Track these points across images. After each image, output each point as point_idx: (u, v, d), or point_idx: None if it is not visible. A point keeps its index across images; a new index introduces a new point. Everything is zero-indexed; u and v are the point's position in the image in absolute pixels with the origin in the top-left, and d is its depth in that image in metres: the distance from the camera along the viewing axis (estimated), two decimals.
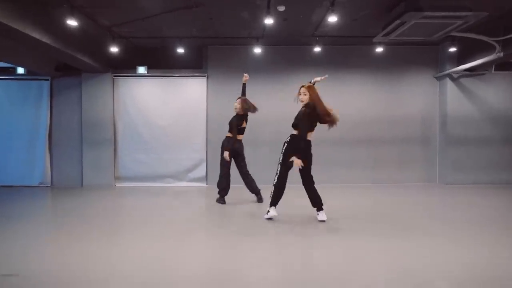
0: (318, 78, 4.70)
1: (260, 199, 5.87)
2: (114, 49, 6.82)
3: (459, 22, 5.13)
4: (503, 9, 5.58)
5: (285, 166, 4.60)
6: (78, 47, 6.42)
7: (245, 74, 5.80)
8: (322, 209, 4.66)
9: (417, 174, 8.09)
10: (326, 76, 4.65)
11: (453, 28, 5.41)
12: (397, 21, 5.14)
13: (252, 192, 5.93)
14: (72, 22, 5.19)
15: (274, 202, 4.72)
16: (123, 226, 4.71)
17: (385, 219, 4.77)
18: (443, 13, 4.82)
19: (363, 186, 7.69)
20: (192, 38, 7.07)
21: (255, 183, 5.89)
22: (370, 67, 8.01)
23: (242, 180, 5.92)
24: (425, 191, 7.19)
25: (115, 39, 6.80)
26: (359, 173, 8.02)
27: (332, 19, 5.40)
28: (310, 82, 4.69)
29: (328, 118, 4.41)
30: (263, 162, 7.60)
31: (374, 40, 6.06)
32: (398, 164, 8.07)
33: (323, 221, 4.59)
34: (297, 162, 4.32)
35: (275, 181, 4.66)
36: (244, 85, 5.88)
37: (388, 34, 5.65)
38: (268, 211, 4.74)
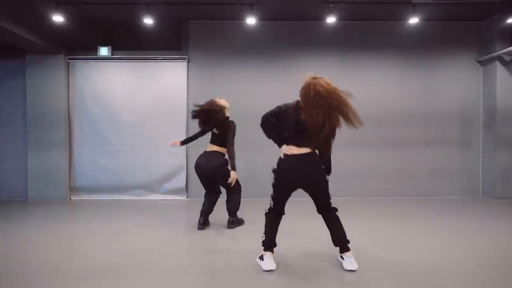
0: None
1: (231, 223, 4.30)
2: (58, 18, 5.10)
3: None
4: None
5: (278, 190, 2.98)
6: (7, 14, 4.69)
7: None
8: (348, 250, 2.94)
9: (455, 186, 6.36)
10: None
11: None
12: None
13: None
14: None
15: (268, 243, 2.97)
16: (68, 263, 3.00)
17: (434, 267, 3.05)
18: None
19: (385, 201, 5.97)
20: (165, 6, 5.35)
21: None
22: (394, 49, 6.31)
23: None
24: (469, 208, 5.46)
25: (59, 5, 5.07)
26: (380, 184, 6.30)
27: None
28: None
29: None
30: (258, 171, 5.93)
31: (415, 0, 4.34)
32: (430, 173, 6.34)
33: (353, 270, 2.86)
34: None
35: (269, 207, 3.03)
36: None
37: None
38: (262, 259, 2.98)
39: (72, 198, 6.30)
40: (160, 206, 5.74)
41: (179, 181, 6.29)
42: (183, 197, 6.30)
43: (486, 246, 3.53)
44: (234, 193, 4.22)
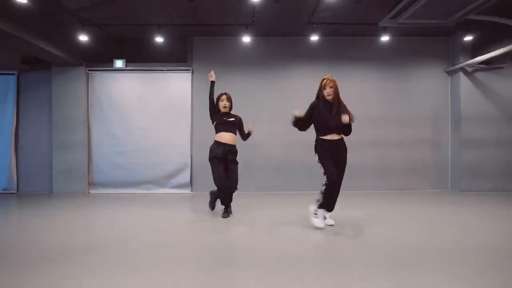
0: None
1: (228, 211, 4.73)
2: (83, 38, 6.02)
3: None
4: None
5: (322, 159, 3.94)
6: (41, 34, 5.61)
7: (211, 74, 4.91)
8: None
9: (426, 180, 7.24)
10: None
11: (475, 7, 4.59)
12: None
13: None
14: None
15: (325, 205, 3.98)
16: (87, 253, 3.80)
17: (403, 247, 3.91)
18: None
19: (365, 194, 6.83)
20: (173, 26, 6.27)
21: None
22: (373, 61, 7.21)
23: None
24: (437, 200, 6.31)
25: (85, 27, 5.99)
26: (361, 179, 7.16)
27: None
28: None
29: None
30: (257, 167, 6.81)
31: (380, 24, 5.25)
32: (405, 169, 7.22)
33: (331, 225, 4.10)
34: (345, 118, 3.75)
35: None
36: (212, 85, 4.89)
37: (396, 16, 4.84)
38: (315, 213, 4.01)
39: (91, 192, 7.18)
40: (167, 199, 6.59)
41: (184, 177, 7.16)
42: (187, 191, 7.17)
43: (452, 228, 4.26)
44: None
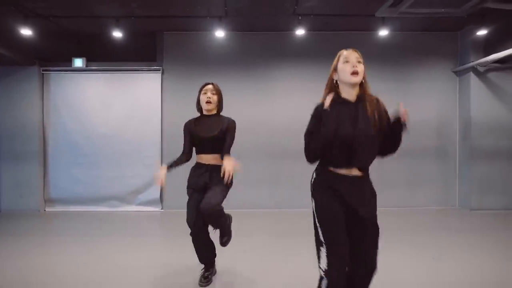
0: None
1: (206, 276, 3.10)
2: (26, 32, 5.10)
3: None
4: None
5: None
6: None
7: None
8: None
9: (431, 196, 6.32)
10: None
11: None
12: None
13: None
14: None
15: None
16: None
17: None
18: None
19: None
20: (134, 19, 5.34)
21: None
22: (369, 59, 6.09)
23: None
24: (444, 219, 5.45)
25: (28, 18, 5.06)
26: None
27: None
28: None
29: None
30: (238, 180, 5.89)
31: (377, 14, 4.34)
32: (407, 184, 6.30)
33: None
34: None
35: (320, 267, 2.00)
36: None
37: (397, 3, 3.93)
38: None
39: (47, 209, 6.27)
40: (135, 218, 5.75)
41: (154, 192, 6.25)
42: (157, 209, 6.27)
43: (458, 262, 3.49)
44: None
